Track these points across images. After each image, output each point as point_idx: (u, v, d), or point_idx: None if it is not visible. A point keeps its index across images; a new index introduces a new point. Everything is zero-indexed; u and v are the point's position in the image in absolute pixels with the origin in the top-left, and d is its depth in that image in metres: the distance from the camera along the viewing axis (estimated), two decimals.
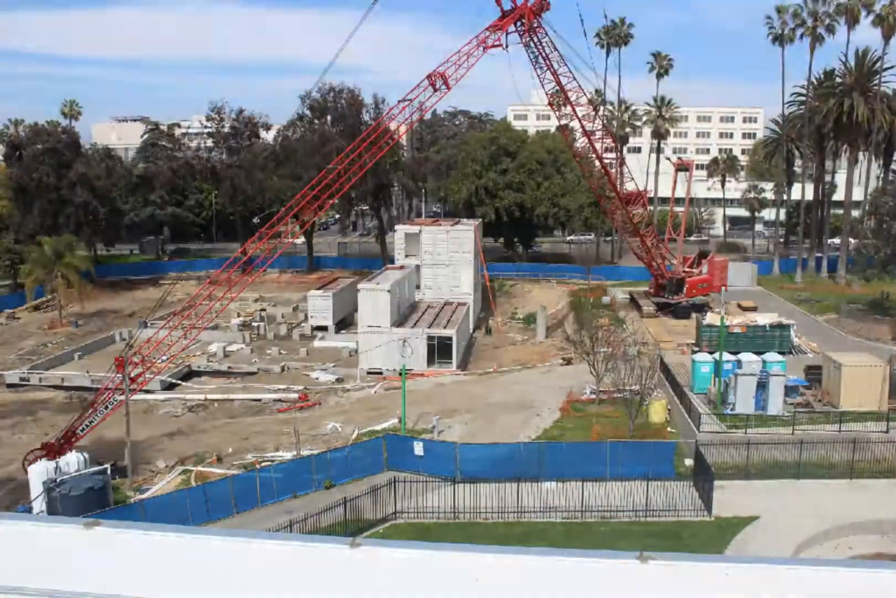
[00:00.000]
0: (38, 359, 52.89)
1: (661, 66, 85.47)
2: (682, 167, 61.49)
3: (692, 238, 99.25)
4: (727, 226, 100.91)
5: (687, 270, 62.00)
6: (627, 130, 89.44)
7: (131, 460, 33.34)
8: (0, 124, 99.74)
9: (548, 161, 78.96)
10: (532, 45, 49.99)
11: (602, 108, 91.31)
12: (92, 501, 28.63)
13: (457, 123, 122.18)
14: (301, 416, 41.80)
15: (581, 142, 57.62)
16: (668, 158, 78.02)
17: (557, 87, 52.66)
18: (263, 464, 34.09)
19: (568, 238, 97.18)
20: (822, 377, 39.18)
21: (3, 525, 2.73)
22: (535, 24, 49.01)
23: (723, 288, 50.69)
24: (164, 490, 31.96)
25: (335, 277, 73.65)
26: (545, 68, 51.33)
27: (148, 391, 43.59)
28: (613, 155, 59.57)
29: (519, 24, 48.59)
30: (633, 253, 63.51)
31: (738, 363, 38.56)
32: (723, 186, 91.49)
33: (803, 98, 76.14)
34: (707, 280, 59.94)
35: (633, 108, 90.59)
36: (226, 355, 55.61)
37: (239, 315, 65.66)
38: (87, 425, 32.63)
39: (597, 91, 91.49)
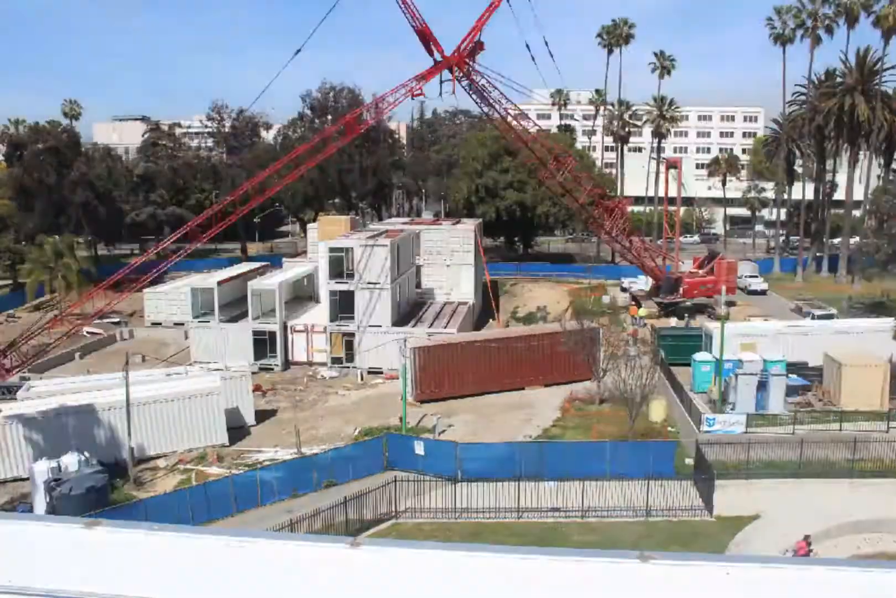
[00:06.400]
0: (38, 359, 52.75)
1: (663, 65, 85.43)
2: (672, 165, 61.79)
3: (698, 239, 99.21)
4: (727, 225, 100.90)
5: (693, 270, 61.76)
6: (628, 129, 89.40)
7: (131, 460, 33.37)
8: (0, 124, 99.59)
9: (548, 159, 78.70)
10: (472, 86, 51.80)
11: (603, 107, 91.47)
12: (92, 500, 28.62)
13: (457, 122, 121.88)
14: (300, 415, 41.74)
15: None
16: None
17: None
18: (264, 463, 34.09)
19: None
20: (823, 377, 39.23)
21: (3, 525, 2.73)
22: (469, 70, 50.44)
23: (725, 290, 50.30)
24: (164, 489, 31.96)
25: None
26: (489, 106, 52.76)
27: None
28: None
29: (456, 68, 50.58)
30: (621, 256, 63.88)
31: (739, 363, 38.56)
32: (723, 185, 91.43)
33: (804, 97, 76.18)
34: (712, 282, 59.07)
35: (634, 107, 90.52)
36: None
37: None
38: None
39: (597, 91, 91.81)
